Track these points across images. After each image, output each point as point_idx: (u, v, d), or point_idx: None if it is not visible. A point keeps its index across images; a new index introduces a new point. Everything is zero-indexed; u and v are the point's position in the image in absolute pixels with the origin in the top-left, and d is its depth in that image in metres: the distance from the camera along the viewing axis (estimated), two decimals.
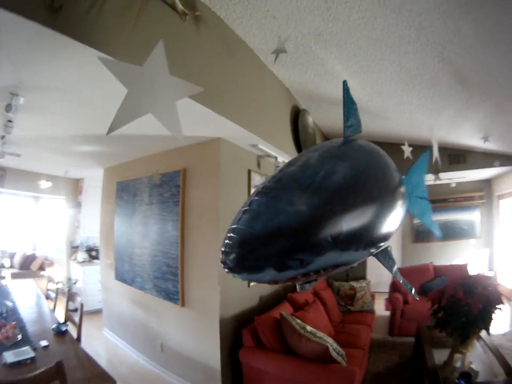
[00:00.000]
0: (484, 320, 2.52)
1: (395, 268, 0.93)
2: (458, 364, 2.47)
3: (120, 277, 3.50)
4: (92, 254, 5.25)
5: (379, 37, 2.19)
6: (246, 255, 0.56)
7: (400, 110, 3.57)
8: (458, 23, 1.92)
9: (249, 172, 3.13)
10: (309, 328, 2.48)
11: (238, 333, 2.69)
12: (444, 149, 4.58)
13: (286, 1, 1.90)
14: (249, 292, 3.03)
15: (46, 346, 2.06)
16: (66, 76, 1.54)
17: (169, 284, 2.87)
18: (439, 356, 2.60)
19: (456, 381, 2.15)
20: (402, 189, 0.96)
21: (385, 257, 0.90)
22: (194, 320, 2.74)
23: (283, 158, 3.36)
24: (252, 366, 2.53)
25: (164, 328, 3.01)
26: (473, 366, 2.35)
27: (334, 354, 2.26)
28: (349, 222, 0.64)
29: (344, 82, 0.94)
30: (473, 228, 6.65)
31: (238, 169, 2.91)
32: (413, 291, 1.01)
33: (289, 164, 0.75)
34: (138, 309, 3.28)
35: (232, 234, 0.58)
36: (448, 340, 2.77)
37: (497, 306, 2.56)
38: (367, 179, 0.77)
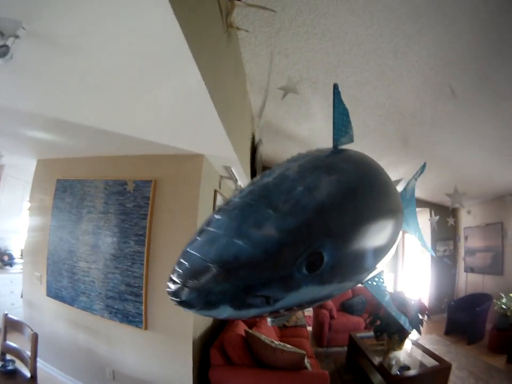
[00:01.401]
0: (417, 325, 3.23)
1: (387, 298, 0.81)
2: (393, 362, 3.26)
3: (55, 294, 3.01)
4: (3, 258, 4.36)
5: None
6: (196, 288, 0.46)
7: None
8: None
9: (215, 192, 3.16)
10: (275, 341, 2.68)
11: (203, 353, 2.71)
12: None
13: (299, 45, 2.08)
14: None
15: None
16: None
17: (129, 304, 2.63)
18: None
19: (398, 372, 3.05)
20: (400, 207, 0.87)
21: (376, 286, 0.78)
22: (162, 343, 2.61)
23: (242, 182, 3.56)
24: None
25: (117, 354, 2.74)
26: (404, 361, 3.31)
27: (305, 361, 2.51)
28: (333, 250, 0.54)
29: (335, 86, 0.87)
30: None
31: (207, 188, 2.88)
32: (407, 323, 0.94)
33: (262, 176, 0.64)
34: (80, 333, 2.89)
35: (182, 261, 0.49)
36: (376, 345, 3.70)
37: (426, 313, 3.37)
38: (358, 196, 0.65)
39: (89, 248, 2.84)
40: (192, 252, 0.49)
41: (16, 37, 1.15)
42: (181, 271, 0.48)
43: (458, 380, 3.78)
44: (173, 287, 0.47)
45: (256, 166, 3.62)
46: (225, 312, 0.48)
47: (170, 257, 2.53)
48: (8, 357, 2.19)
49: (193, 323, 2.57)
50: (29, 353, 2.06)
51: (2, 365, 2.01)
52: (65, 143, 2.77)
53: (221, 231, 0.50)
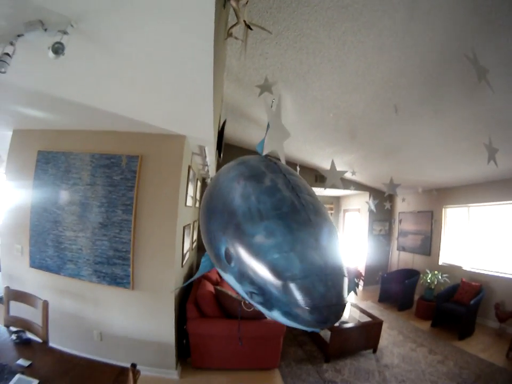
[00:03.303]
0: (354, 287, 4.13)
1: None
2: None
3: (39, 264, 3.25)
4: None
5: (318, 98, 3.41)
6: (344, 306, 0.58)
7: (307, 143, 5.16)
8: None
9: (189, 167, 3.67)
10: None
11: (180, 308, 3.33)
12: (315, 170, 7.14)
13: (278, 53, 2.66)
14: (182, 271, 3.64)
15: (30, 366, 1.85)
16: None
17: (117, 268, 3.09)
18: None
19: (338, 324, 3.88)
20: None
21: None
22: (147, 301, 3.12)
23: (210, 159, 4.23)
24: (198, 334, 3.28)
25: (105, 316, 3.18)
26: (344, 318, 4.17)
27: None
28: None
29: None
30: None
31: (183, 165, 3.33)
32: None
33: (299, 189, 0.76)
34: (67, 300, 3.21)
35: (329, 283, 0.54)
36: None
37: (361, 278, 4.27)
38: None
39: (76, 217, 3.17)
40: (334, 273, 0.58)
41: (65, 33, 1.39)
42: (332, 293, 0.56)
43: (390, 337, 4.79)
44: (327, 312, 0.55)
45: (222, 144, 4.15)
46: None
47: (155, 225, 3.11)
48: (13, 328, 2.32)
49: (174, 281, 3.12)
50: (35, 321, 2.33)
51: (17, 336, 2.12)
52: (48, 117, 2.97)
53: (333, 250, 0.63)
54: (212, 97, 2.07)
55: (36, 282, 3.26)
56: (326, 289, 0.53)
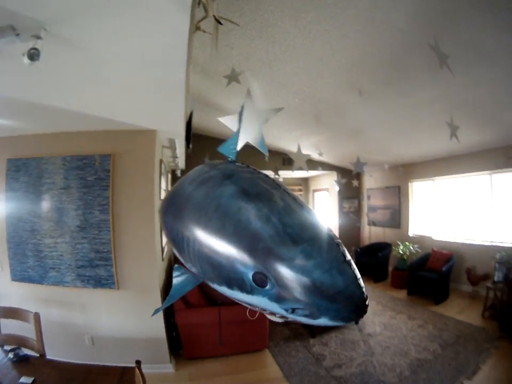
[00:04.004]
0: None
1: None
2: None
3: (21, 277, 3.18)
4: None
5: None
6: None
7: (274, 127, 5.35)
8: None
9: (160, 161, 3.72)
10: None
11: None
12: (282, 153, 7.32)
13: (245, 43, 2.76)
14: (163, 264, 3.75)
15: (33, 382, 1.84)
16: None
17: (100, 269, 3.12)
18: None
19: None
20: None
21: None
22: (134, 299, 3.18)
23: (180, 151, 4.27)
24: (187, 324, 3.42)
25: (94, 320, 3.20)
26: None
27: None
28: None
29: (243, 107, 1.05)
30: None
31: (156, 159, 3.37)
32: None
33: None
34: (53, 309, 3.17)
35: (360, 285, 0.67)
36: None
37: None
38: None
39: (53, 223, 3.14)
40: (355, 282, 0.67)
41: (38, 37, 1.39)
42: (360, 293, 0.67)
43: (369, 307, 5.02)
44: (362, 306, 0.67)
45: (191, 134, 4.21)
46: None
47: (133, 222, 3.15)
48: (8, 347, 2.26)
49: (157, 275, 3.20)
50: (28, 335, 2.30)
51: (14, 354, 2.10)
52: (15, 124, 2.89)
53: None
54: (184, 92, 2.14)
55: (19, 295, 3.20)
56: (360, 290, 0.66)
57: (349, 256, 0.71)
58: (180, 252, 1.00)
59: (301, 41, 2.59)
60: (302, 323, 0.73)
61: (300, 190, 10.35)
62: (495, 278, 4.79)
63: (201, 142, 5.99)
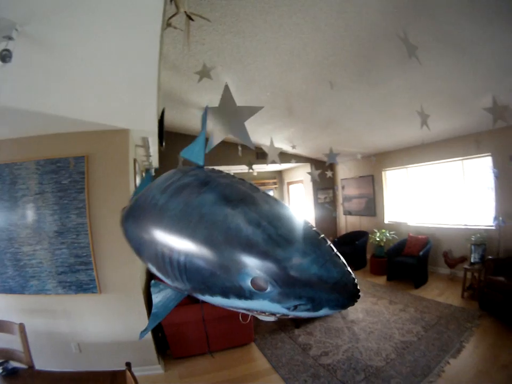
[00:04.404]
0: None
1: None
2: None
3: (1, 288, 3.08)
4: None
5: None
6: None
7: (246, 122, 5.34)
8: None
9: (134, 161, 3.70)
10: None
11: (149, 302, 3.37)
12: (256, 148, 7.18)
13: (215, 38, 2.78)
14: (143, 266, 3.67)
15: None
16: None
17: (81, 274, 3.08)
18: None
19: None
20: None
21: None
22: (117, 302, 3.16)
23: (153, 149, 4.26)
24: (172, 324, 3.44)
25: (79, 326, 3.15)
26: None
27: None
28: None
29: (206, 107, 1.03)
30: None
31: (130, 159, 3.34)
32: None
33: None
34: (36, 318, 3.08)
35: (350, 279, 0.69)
36: None
37: None
38: None
39: (30, 230, 3.07)
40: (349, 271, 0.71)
41: (10, 38, 1.33)
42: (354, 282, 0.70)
43: None
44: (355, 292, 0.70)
45: (163, 132, 4.20)
46: None
47: (110, 223, 3.08)
48: None
49: (139, 276, 3.20)
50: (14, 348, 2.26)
51: (3, 369, 2.09)
52: None
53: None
54: (156, 90, 2.14)
55: (1, 307, 3.10)
56: (352, 277, 0.70)
57: (335, 249, 0.73)
58: (159, 268, 0.94)
59: (271, 35, 2.64)
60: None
61: (275, 183, 10.48)
62: (472, 260, 5.04)
63: (174, 140, 5.99)
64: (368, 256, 7.23)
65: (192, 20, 1.93)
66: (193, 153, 0.99)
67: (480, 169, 5.53)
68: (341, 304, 0.72)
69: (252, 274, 0.70)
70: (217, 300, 0.81)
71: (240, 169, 7.92)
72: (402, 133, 5.62)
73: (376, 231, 6.97)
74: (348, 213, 8.55)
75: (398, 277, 6.04)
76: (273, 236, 0.70)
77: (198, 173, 0.95)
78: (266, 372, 3.31)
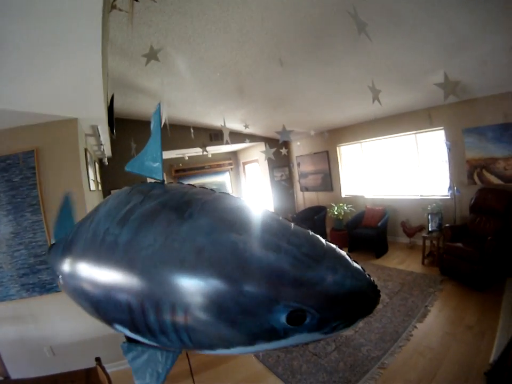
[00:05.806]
0: None
1: None
2: None
3: None
4: None
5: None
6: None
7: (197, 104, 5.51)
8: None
9: (85, 150, 3.64)
10: None
11: None
12: (209, 129, 7.45)
13: (163, 19, 2.75)
14: None
15: None
16: None
17: (43, 274, 3.02)
18: None
19: None
20: None
21: None
22: None
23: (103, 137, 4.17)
24: None
25: (49, 329, 3.09)
26: None
27: None
28: None
29: (158, 104, 0.86)
30: (225, 187, 10.25)
31: (80, 149, 3.27)
32: None
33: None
34: (4, 326, 2.98)
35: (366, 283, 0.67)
36: None
37: None
38: None
39: None
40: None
41: None
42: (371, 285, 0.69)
43: None
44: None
45: (113, 119, 4.11)
46: None
47: None
48: None
49: None
50: None
51: None
52: None
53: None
54: (101, 75, 2.11)
55: None
56: (372, 281, 0.71)
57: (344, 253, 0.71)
58: (136, 329, 0.73)
59: (219, 14, 2.67)
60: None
61: (230, 164, 10.47)
62: (429, 228, 5.39)
63: (125, 127, 5.89)
64: (328, 229, 7.55)
65: (137, 0, 1.92)
66: (146, 166, 0.81)
67: (433, 142, 5.86)
68: (372, 309, 0.70)
69: (286, 310, 0.58)
70: (235, 351, 0.66)
71: (195, 151, 7.86)
72: (355, 109, 5.84)
73: (334, 205, 7.28)
74: (305, 189, 8.82)
75: (359, 248, 6.35)
76: (299, 257, 0.61)
77: (166, 192, 0.78)
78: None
